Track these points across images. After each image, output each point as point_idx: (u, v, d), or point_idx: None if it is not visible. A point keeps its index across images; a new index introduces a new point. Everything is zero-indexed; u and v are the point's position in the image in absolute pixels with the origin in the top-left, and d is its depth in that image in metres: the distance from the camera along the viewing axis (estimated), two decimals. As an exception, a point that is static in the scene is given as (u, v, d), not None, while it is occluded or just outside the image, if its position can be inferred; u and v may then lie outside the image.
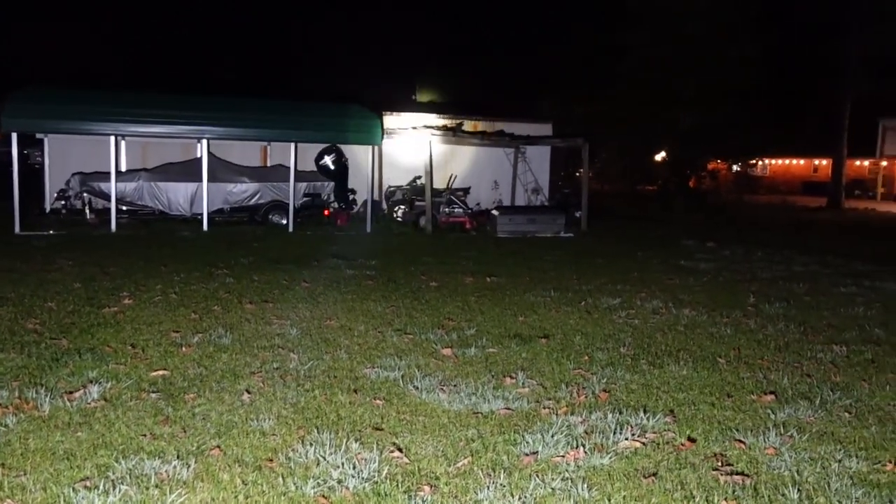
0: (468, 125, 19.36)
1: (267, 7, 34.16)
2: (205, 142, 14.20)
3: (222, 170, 15.03)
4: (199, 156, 14.92)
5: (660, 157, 29.35)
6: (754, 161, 34.53)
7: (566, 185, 23.54)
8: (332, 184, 16.05)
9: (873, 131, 35.74)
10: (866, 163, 37.71)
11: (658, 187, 26.96)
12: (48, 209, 15.02)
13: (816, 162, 40.47)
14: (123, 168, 15.26)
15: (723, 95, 23.61)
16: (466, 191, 17.66)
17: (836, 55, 26.02)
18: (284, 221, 14.86)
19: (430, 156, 15.46)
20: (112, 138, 13.56)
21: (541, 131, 19.99)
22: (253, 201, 15.27)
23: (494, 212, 15.52)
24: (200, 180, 14.13)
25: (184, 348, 5.47)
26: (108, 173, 13.64)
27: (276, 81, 31.34)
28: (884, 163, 36.84)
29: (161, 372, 4.86)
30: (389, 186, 17.88)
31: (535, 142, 18.56)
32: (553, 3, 34.04)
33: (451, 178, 17.97)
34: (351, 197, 16.59)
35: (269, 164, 17.02)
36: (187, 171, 14.79)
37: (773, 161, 42.94)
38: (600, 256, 11.85)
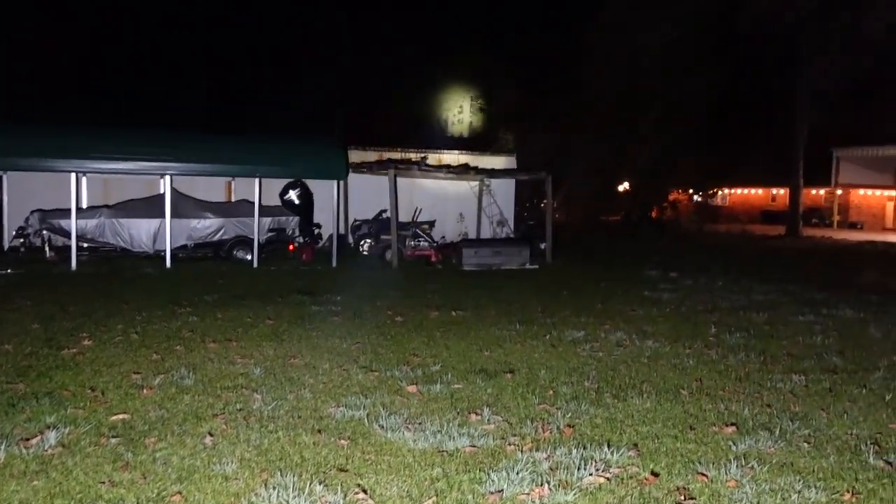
0: (433, 158, 19.53)
1: (232, 40, 34.12)
2: (168, 177, 14.08)
3: (186, 205, 14.92)
4: (162, 191, 14.79)
5: (623, 187, 29.82)
6: (713, 191, 35.23)
7: (531, 217, 23.78)
8: (297, 218, 16.02)
9: (828, 161, 36.73)
10: (822, 192, 38.69)
11: (622, 217, 27.36)
12: (6, 247, 14.74)
13: (774, 191, 41.40)
14: (84, 205, 15.06)
15: (679, 127, 24.20)
16: (432, 224, 17.73)
17: (789, 88, 26.82)
18: (249, 257, 14.74)
19: (395, 189, 15.53)
20: (73, 175, 13.38)
21: (505, 164, 20.23)
22: (217, 237, 15.14)
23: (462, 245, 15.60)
24: (163, 216, 13.99)
25: (145, 390, 5.39)
26: (69, 210, 13.45)
27: (240, 115, 31.27)
28: (839, 191, 37.82)
29: (121, 416, 4.78)
30: (355, 220, 17.89)
31: (500, 175, 18.75)
32: (513, 37, 34.62)
33: (416, 211, 18.05)
34: (316, 231, 16.58)
35: (233, 199, 16.95)
36: (150, 207, 14.65)
37: (733, 191, 43.85)
38: (565, 288, 11.96)
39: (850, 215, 37.96)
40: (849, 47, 18.20)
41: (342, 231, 17.37)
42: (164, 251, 13.91)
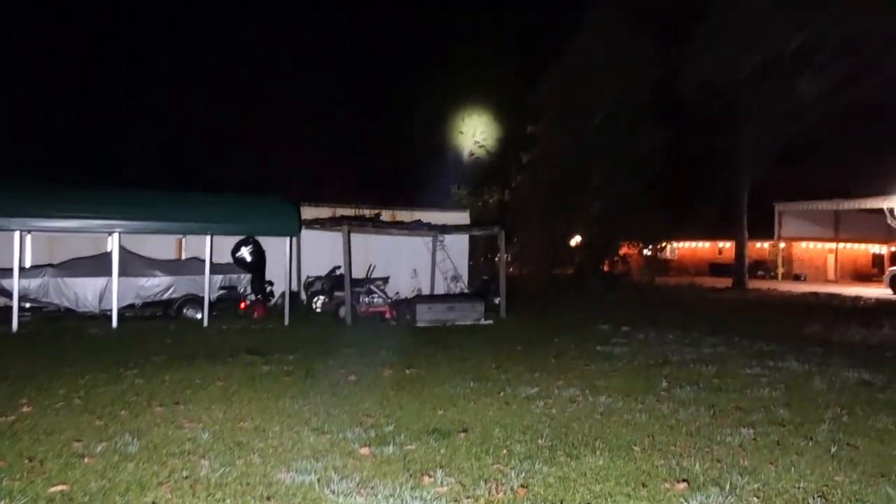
0: (386, 215, 19.63)
1: (183, 95, 34.07)
2: (116, 235, 13.83)
3: (134, 263, 14.65)
4: (109, 249, 14.50)
5: (575, 241, 30.28)
6: (662, 245, 36.00)
7: (485, 272, 23.94)
8: (248, 276, 15.86)
9: (771, 215, 37.97)
10: (767, 245, 39.85)
11: (574, 271, 27.71)
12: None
13: (721, 244, 42.49)
14: (28, 264, 14.67)
15: (627, 183, 24.90)
16: (386, 280, 17.70)
17: (731, 145, 27.81)
18: (199, 315, 14.47)
19: (349, 246, 15.52)
20: (17, 234, 13.05)
21: (458, 220, 20.41)
22: (166, 295, 14.86)
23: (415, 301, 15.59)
24: (110, 275, 13.69)
25: (86, 459, 5.20)
26: (11, 270, 13.07)
27: (191, 172, 31.06)
28: (782, 244, 39.02)
29: (60, 487, 4.59)
30: (308, 277, 17.77)
31: (453, 230, 18.91)
32: (465, 95, 35.39)
33: (370, 267, 18.02)
34: (269, 288, 16.42)
35: (184, 257, 16.70)
36: (97, 265, 14.34)
37: (681, 244, 44.88)
38: (519, 343, 12.00)
39: (793, 267, 39.11)
40: (784, 108, 19.05)
41: (295, 288, 17.22)
42: (111, 311, 13.57)
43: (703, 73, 20.39)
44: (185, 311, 14.81)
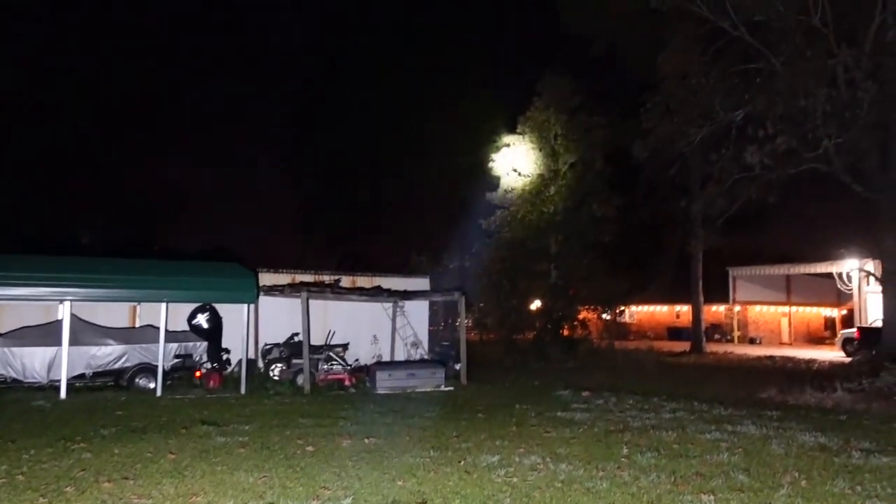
0: (346, 281, 19.55)
1: (141, 159, 34.05)
2: (67, 303, 13.50)
3: (85, 332, 14.28)
4: (60, 317, 14.13)
5: (535, 306, 30.41)
6: (621, 309, 36.33)
7: (446, 337, 23.84)
8: (204, 344, 15.54)
9: (726, 279, 38.75)
10: (723, 308, 40.51)
11: (534, 336, 27.72)
12: None
13: (678, 308, 43.07)
14: (-27, 333, 14.20)
15: (584, 250, 25.32)
16: (345, 346, 17.50)
17: (685, 212, 28.53)
18: (153, 385, 14.07)
19: (307, 312, 15.37)
20: (-38, 302, 12.69)
21: (418, 286, 20.41)
22: (118, 364, 14.46)
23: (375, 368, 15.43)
24: (60, 344, 13.30)
25: (27, 540, 4.96)
26: (-45, 340, 12.64)
27: (149, 238, 30.72)
28: (737, 308, 39.69)
29: (-2, 571, 4.37)
30: (266, 344, 17.47)
31: (413, 296, 18.89)
32: (423, 162, 35.98)
33: (329, 334, 17.82)
34: (225, 357, 16.08)
35: (138, 324, 16.34)
36: (46, 334, 13.95)
37: (640, 308, 45.39)
38: (480, 410, 11.90)
39: (749, 331, 39.72)
40: (733, 176, 19.73)
41: (252, 356, 16.91)
42: (59, 381, 13.13)
43: (655, 144, 21.05)
44: (137, 380, 14.40)
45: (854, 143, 18.58)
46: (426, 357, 19.42)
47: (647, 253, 34.65)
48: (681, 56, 20.83)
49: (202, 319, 15.69)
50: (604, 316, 31.59)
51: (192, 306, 15.68)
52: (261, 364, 17.14)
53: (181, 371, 15.19)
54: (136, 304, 16.41)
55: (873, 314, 27.89)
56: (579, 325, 27.07)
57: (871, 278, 25.53)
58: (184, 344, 15.29)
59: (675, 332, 40.15)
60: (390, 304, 19.34)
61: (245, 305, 15.11)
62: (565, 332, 26.58)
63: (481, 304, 30.57)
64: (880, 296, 20.87)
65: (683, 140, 20.58)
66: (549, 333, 26.14)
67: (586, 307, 27.51)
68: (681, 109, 20.36)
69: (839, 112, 18.19)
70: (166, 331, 14.28)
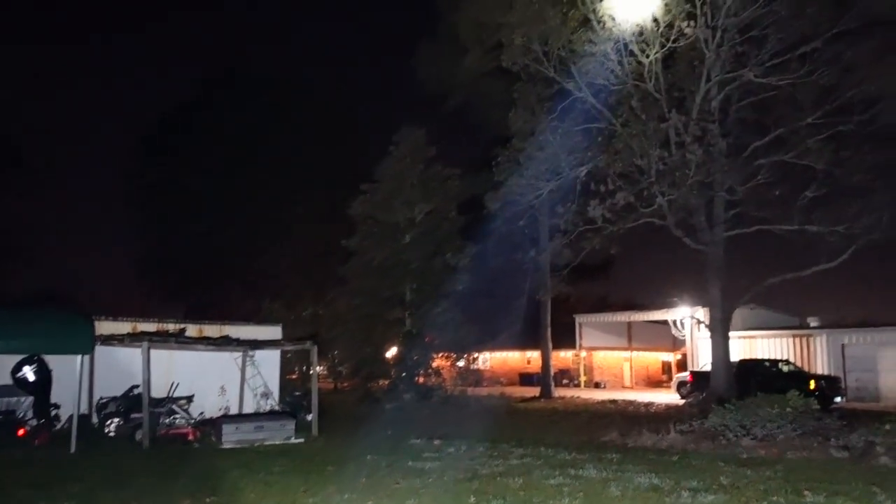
0: (193, 330, 18.73)
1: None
2: None
3: None
4: None
5: (390, 353, 30.40)
6: (475, 356, 37.06)
7: (297, 387, 23.29)
8: (30, 399, 14.30)
9: (573, 326, 40.56)
10: (570, 354, 42.24)
11: (389, 384, 27.66)
12: None
13: (529, 354, 44.46)
14: None
15: (437, 298, 25.79)
16: (190, 399, 16.65)
17: (534, 261, 29.74)
18: (-33, 446, 12.76)
19: (148, 363, 14.56)
20: None
21: (270, 334, 19.91)
22: (-74, 424, 13.04)
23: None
24: None
25: None
26: None
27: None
28: (583, 353, 41.53)
29: None
30: (101, 398, 16.30)
31: (264, 345, 18.38)
32: (279, 207, 35.46)
33: (172, 385, 16.92)
34: (54, 412, 14.83)
35: (-48, 379, 14.82)
36: None
37: (493, 354, 46.43)
38: (330, 462, 11.68)
39: (594, 375, 41.60)
40: (578, 228, 20.97)
41: (85, 411, 15.72)
42: None
43: (506, 196, 22.02)
44: (-52, 441, 13.02)
45: (684, 200, 20.31)
46: (277, 408, 18.86)
47: (499, 301, 35.68)
48: (529, 114, 22.05)
49: (28, 372, 14.41)
50: (458, 363, 32.08)
51: (17, 358, 14.42)
52: (95, 419, 15.98)
53: (3, 429, 13.86)
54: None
55: (704, 358, 29.99)
56: (433, 372, 27.31)
57: (702, 325, 27.54)
58: (6, 399, 14.02)
59: (526, 378, 41.36)
60: (239, 354, 18.70)
61: (79, 356, 14.07)
62: (420, 380, 26.74)
63: (336, 352, 30.22)
64: (710, 341, 22.60)
65: (533, 193, 21.65)
66: (403, 381, 26.19)
67: (441, 354, 27.83)
68: (530, 164, 21.45)
69: (671, 171, 19.85)
70: (-15, 385, 13.05)
